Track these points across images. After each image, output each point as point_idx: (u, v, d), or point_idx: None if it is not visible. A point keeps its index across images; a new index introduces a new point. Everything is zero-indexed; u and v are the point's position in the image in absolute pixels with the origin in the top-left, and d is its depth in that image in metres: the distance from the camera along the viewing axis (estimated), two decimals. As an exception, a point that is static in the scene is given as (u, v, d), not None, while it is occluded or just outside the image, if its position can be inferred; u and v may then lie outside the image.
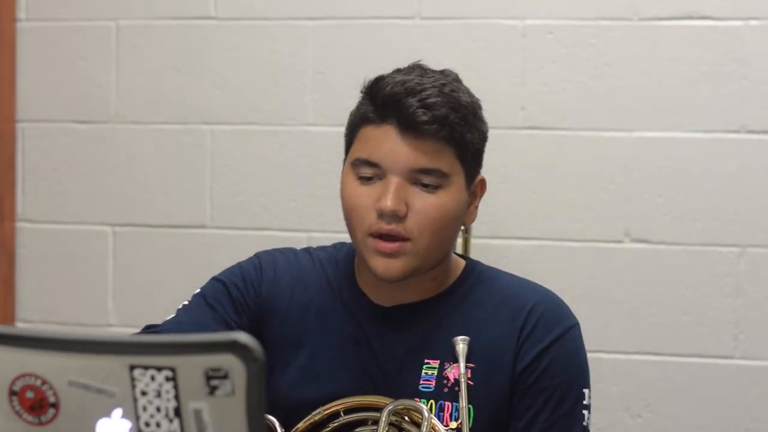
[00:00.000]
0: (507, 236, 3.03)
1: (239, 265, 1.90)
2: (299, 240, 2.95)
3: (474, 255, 2.83)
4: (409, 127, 1.74)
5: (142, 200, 3.24)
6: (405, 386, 1.77)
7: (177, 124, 3.21)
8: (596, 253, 2.99)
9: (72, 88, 3.27)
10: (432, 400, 1.77)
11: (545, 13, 3.00)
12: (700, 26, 2.94)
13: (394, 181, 1.74)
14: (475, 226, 2.88)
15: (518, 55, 3.01)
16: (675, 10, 2.95)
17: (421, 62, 1.85)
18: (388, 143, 1.74)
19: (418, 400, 1.75)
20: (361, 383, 1.79)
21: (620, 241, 2.98)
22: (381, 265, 1.76)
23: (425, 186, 1.75)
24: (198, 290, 1.88)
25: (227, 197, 3.18)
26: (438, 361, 1.79)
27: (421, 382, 1.78)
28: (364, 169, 1.76)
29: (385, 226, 1.74)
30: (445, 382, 1.78)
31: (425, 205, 1.75)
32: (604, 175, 2.99)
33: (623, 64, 2.98)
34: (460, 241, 2.82)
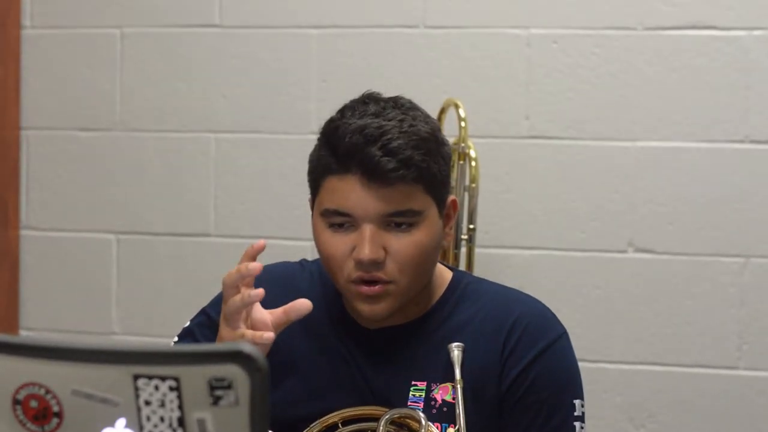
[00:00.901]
0: (511, 246, 3.02)
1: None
2: (303, 249, 2.94)
3: (477, 265, 2.84)
4: (375, 176, 1.70)
5: (146, 208, 3.24)
6: (393, 408, 1.76)
7: (181, 132, 3.21)
8: (600, 263, 2.98)
9: (76, 95, 3.27)
10: None
11: (550, 22, 3.00)
12: (704, 36, 2.94)
13: (367, 229, 1.71)
14: (479, 236, 2.88)
15: (523, 64, 3.01)
16: (679, 20, 2.95)
17: (371, 92, 1.80)
18: (355, 194, 1.71)
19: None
20: (353, 402, 1.78)
21: (624, 251, 2.98)
22: (366, 308, 1.75)
23: (399, 226, 1.73)
24: (187, 323, 1.89)
25: (231, 205, 3.18)
26: (425, 383, 1.78)
27: (409, 404, 1.77)
28: (335, 219, 1.74)
29: (365, 275, 1.72)
30: (432, 403, 1.77)
31: (402, 246, 1.72)
32: (608, 184, 2.98)
33: (627, 74, 2.97)
34: (464, 251, 2.82)
